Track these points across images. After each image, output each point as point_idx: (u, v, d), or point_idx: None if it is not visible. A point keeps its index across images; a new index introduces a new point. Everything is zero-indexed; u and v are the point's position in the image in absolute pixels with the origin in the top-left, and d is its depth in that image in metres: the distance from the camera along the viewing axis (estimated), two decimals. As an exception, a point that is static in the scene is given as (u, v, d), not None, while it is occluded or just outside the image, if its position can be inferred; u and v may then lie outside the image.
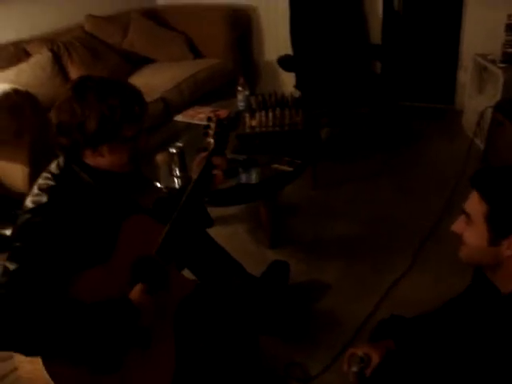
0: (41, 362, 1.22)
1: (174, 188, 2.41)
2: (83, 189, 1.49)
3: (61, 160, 1.52)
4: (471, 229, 1.27)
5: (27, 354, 1.22)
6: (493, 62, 3.64)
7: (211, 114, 1.98)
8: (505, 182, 1.24)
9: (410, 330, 1.58)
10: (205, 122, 1.88)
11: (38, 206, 1.39)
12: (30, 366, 1.25)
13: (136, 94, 1.54)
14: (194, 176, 1.72)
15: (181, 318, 1.59)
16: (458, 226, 1.32)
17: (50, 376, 1.21)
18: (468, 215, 1.27)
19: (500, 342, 1.24)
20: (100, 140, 1.46)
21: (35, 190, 1.45)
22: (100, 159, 1.51)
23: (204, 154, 1.77)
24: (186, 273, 1.97)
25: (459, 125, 4.26)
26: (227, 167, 1.79)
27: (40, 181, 1.48)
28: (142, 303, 1.40)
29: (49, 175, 1.48)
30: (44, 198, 1.40)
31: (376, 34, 4.58)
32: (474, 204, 1.25)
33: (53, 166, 1.52)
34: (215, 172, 1.74)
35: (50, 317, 1.20)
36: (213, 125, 1.82)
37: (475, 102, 3.93)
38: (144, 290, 1.44)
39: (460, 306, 1.53)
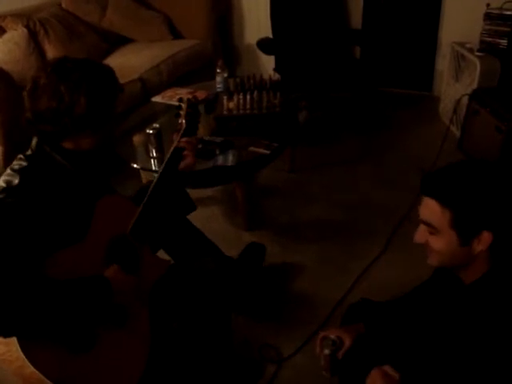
0: (16, 343, 1.21)
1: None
2: (56, 169, 1.47)
3: (33, 142, 1.50)
4: (438, 237, 1.24)
5: (4, 335, 1.21)
6: (470, 50, 3.67)
7: (188, 96, 1.99)
8: (460, 183, 1.20)
9: (380, 315, 1.61)
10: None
11: (10, 187, 1.38)
12: (5, 348, 1.24)
13: (111, 72, 1.54)
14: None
15: (155, 298, 1.60)
16: (421, 236, 1.29)
17: (26, 357, 1.21)
18: (430, 225, 1.24)
19: (462, 329, 1.27)
20: (88, 122, 1.45)
21: (8, 170, 1.44)
22: (83, 141, 1.50)
23: (176, 135, 1.80)
24: (161, 253, 1.98)
25: (436, 112, 4.30)
26: (197, 146, 1.82)
27: (14, 162, 1.47)
28: (116, 280, 1.40)
29: (22, 156, 1.47)
30: (16, 180, 1.39)
31: (356, 18, 4.58)
32: (435, 213, 1.21)
33: (28, 150, 1.50)
34: (185, 153, 1.75)
35: (25, 295, 1.19)
36: (184, 105, 1.85)
37: (452, 89, 3.97)
38: (119, 269, 1.44)
39: (423, 293, 1.55)
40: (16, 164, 1.45)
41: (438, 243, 1.24)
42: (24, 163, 1.44)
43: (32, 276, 1.23)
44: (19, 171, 1.41)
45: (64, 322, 1.27)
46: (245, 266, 2.49)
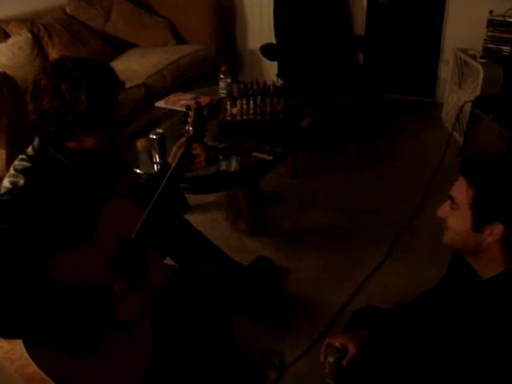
0: (21, 342, 1.21)
1: (151, 174, 2.41)
2: (60, 170, 1.48)
3: (36, 142, 1.50)
4: (456, 214, 1.29)
5: (4, 336, 1.21)
6: (473, 56, 3.68)
7: (192, 101, 2.00)
8: (491, 169, 1.27)
9: (386, 321, 1.60)
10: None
11: (16, 188, 1.38)
12: (9, 346, 1.24)
13: (110, 69, 1.55)
14: (172, 162, 1.76)
15: (159, 302, 1.60)
16: (443, 210, 1.34)
17: (30, 355, 1.21)
18: (453, 200, 1.29)
19: (478, 328, 1.26)
20: (91, 119, 1.45)
21: (11, 171, 1.44)
22: (86, 140, 1.50)
23: (182, 141, 1.81)
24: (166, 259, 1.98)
25: (439, 118, 4.30)
26: (206, 154, 1.83)
27: (16, 162, 1.47)
28: (122, 295, 1.40)
29: (24, 156, 1.47)
30: (21, 180, 1.39)
31: (359, 25, 4.59)
32: (461, 189, 1.27)
33: (29, 149, 1.50)
34: (196, 159, 1.82)
35: (26, 297, 1.19)
36: (191, 113, 1.88)
37: (455, 95, 3.97)
38: (127, 285, 1.45)
39: (437, 296, 1.55)
40: (19, 164, 1.44)
41: (454, 221, 1.30)
42: (27, 164, 1.44)
43: (36, 279, 1.23)
44: (23, 171, 1.41)
45: (64, 328, 1.26)
46: (254, 275, 2.50)
